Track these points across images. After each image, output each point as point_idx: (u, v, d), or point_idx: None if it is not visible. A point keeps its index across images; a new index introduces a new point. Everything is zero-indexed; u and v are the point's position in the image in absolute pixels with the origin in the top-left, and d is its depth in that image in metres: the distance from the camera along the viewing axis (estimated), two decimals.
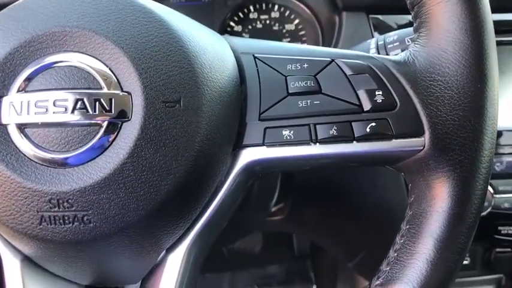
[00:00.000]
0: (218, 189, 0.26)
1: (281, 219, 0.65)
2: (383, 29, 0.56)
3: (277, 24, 0.66)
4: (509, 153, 0.56)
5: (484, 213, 0.54)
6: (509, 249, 0.73)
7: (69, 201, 0.22)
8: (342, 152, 0.25)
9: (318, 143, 0.25)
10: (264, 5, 0.66)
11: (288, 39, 0.67)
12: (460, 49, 0.23)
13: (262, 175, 0.28)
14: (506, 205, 0.55)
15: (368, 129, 0.24)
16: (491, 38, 0.25)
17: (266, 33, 0.66)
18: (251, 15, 0.66)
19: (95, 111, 0.22)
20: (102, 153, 0.23)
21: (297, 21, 0.66)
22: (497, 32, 0.56)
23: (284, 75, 0.26)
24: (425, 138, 0.24)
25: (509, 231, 0.58)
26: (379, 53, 0.38)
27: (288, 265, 1.27)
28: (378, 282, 0.25)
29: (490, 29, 0.25)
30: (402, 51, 0.38)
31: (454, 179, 0.23)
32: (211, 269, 1.21)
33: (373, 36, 0.56)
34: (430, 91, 0.24)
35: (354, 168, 0.46)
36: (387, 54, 0.38)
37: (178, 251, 0.26)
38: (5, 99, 0.23)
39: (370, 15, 0.56)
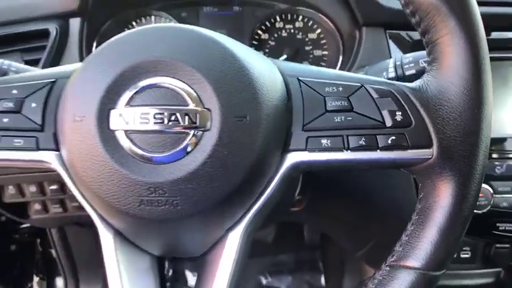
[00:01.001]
0: (269, 183, 0.32)
1: (299, 210, 0.72)
2: (398, 42, 0.62)
3: (300, 33, 0.72)
4: (509, 157, 0.62)
5: (484, 211, 0.61)
6: (507, 245, 0.79)
7: (163, 189, 0.29)
8: (368, 158, 0.31)
9: (349, 150, 0.31)
10: (289, 16, 0.71)
11: (310, 47, 0.72)
12: (463, 82, 0.30)
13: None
14: (505, 204, 0.61)
15: (389, 141, 0.31)
16: (488, 73, 0.31)
17: (290, 41, 0.72)
18: (277, 25, 0.72)
19: (184, 123, 0.29)
20: (188, 154, 0.29)
21: (319, 30, 0.72)
22: (503, 48, 0.62)
23: (323, 96, 0.32)
24: (434, 150, 0.31)
25: (507, 228, 0.64)
26: (396, 71, 0.44)
27: (298, 255, 1.33)
28: (392, 259, 0.32)
29: (487, 66, 0.31)
30: (416, 71, 0.44)
31: (454, 181, 0.30)
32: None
33: (389, 50, 0.61)
34: (439, 113, 0.30)
35: (375, 171, 0.53)
36: (403, 73, 0.44)
37: (237, 231, 0.32)
38: (113, 111, 0.30)
39: (388, 31, 0.62)
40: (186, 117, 0.29)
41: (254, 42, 0.72)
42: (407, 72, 0.43)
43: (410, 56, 0.44)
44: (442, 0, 0.30)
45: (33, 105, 0.33)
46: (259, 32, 0.72)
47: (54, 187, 0.70)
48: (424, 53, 0.42)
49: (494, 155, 0.62)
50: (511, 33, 0.61)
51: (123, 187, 0.29)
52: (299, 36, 0.72)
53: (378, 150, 0.31)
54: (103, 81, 0.30)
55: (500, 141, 0.62)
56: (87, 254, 1.14)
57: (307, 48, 0.72)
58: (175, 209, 0.30)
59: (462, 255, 0.81)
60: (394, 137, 0.31)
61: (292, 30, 0.72)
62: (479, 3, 0.59)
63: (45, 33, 0.61)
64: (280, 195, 0.33)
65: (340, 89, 0.32)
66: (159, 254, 0.36)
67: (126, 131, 0.30)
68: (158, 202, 0.29)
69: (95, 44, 0.68)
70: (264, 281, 1.29)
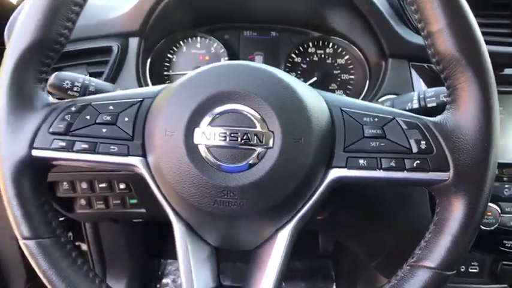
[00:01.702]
0: (314, 193, 0.40)
1: (321, 219, 0.78)
2: (420, 73, 0.69)
3: (330, 58, 0.79)
4: None
5: (492, 228, 0.67)
6: None
7: (234, 192, 0.37)
8: (397, 177, 0.38)
9: (381, 170, 0.38)
10: (321, 42, 0.79)
11: (339, 71, 0.79)
12: (476, 122, 0.37)
13: None
14: (511, 223, 0.68)
15: (414, 164, 0.38)
16: (496, 114, 0.38)
17: (320, 64, 0.79)
18: (309, 50, 0.79)
19: (253, 141, 0.37)
20: (254, 166, 0.37)
21: (347, 57, 0.79)
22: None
23: (361, 124, 0.40)
24: (450, 173, 0.38)
25: None
26: (419, 103, 0.52)
27: (312, 263, 1.39)
28: (412, 260, 0.39)
29: (496, 109, 0.38)
30: (436, 104, 0.51)
31: (466, 199, 0.37)
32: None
33: (412, 80, 0.68)
34: (455, 144, 0.37)
35: (402, 188, 0.60)
36: (426, 105, 0.51)
37: (285, 231, 0.40)
38: (197, 129, 0.38)
39: (411, 63, 0.69)
40: (255, 137, 0.37)
41: (288, 64, 0.79)
42: (429, 105, 0.51)
43: (432, 90, 0.51)
44: (462, 55, 0.37)
45: (126, 119, 0.41)
46: (293, 55, 0.79)
47: (103, 185, 0.78)
48: (444, 88, 0.49)
49: (504, 179, 0.69)
50: None
51: (202, 189, 0.37)
52: (329, 61, 0.79)
53: (405, 171, 0.38)
54: (190, 105, 0.38)
55: (509, 166, 0.68)
56: (117, 248, 1.21)
57: (335, 72, 0.79)
58: (241, 209, 0.37)
59: (470, 270, 0.87)
60: (418, 161, 0.38)
61: (322, 55, 0.79)
62: (496, 43, 0.66)
63: (108, 50, 0.70)
64: (321, 203, 0.41)
65: (376, 119, 0.40)
66: (217, 245, 0.43)
67: (206, 146, 0.38)
68: (229, 202, 0.37)
69: (149, 60, 0.77)
70: None
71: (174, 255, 1.36)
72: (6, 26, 0.71)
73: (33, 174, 0.41)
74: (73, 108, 0.41)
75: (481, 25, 0.67)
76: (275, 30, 0.80)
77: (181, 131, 0.38)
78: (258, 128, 0.38)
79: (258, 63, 0.41)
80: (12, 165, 0.40)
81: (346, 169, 0.39)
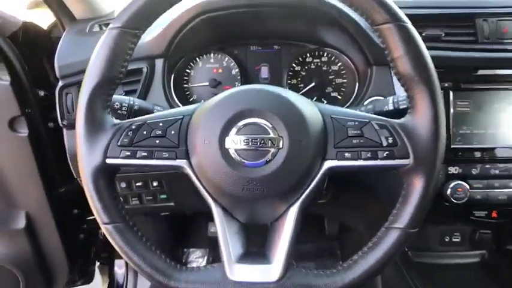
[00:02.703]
0: (314, 178, 0.53)
1: (324, 202, 0.93)
2: None
3: (325, 66, 0.93)
4: (481, 162, 0.82)
5: (463, 201, 0.81)
6: (489, 231, 0.99)
7: (256, 181, 0.51)
8: (372, 164, 0.52)
9: (361, 160, 0.53)
10: (317, 53, 0.93)
11: (333, 76, 0.92)
12: (427, 122, 0.50)
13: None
14: (478, 197, 0.82)
15: (385, 155, 0.52)
16: (442, 115, 0.51)
17: (317, 71, 0.93)
18: (307, 59, 0.93)
19: (268, 144, 0.51)
20: (269, 162, 0.51)
21: (340, 64, 0.92)
22: (486, 81, 0.81)
23: (346, 127, 0.54)
24: (410, 160, 0.51)
25: (480, 214, 0.84)
26: (394, 106, 0.66)
27: (319, 244, 1.53)
28: (387, 224, 0.54)
29: (442, 112, 0.51)
30: (407, 106, 0.65)
31: (422, 178, 0.51)
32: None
33: (393, 83, 0.82)
34: (413, 139, 0.51)
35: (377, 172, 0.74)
36: (399, 107, 0.65)
37: (295, 207, 0.54)
38: (227, 138, 0.52)
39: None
40: (269, 141, 0.52)
41: (290, 73, 0.93)
42: (401, 107, 0.65)
43: (403, 96, 0.66)
44: (416, 75, 0.51)
45: (173, 132, 0.56)
46: (294, 65, 0.93)
47: (139, 184, 0.93)
48: None
49: (479, 159, 0.82)
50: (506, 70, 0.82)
51: (233, 180, 0.52)
52: (324, 68, 0.93)
53: (378, 160, 0.52)
54: (221, 120, 0.53)
55: (474, 150, 0.82)
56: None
57: (330, 77, 0.93)
58: (262, 193, 0.52)
59: (453, 240, 1.02)
60: (387, 152, 0.52)
61: (319, 64, 0.93)
62: (464, 50, 0.78)
63: (139, 71, 0.84)
64: (320, 187, 0.55)
65: (356, 123, 0.54)
66: (245, 221, 0.58)
67: (235, 149, 0.52)
68: (253, 189, 0.52)
69: (172, 77, 0.91)
70: None
71: (195, 244, 1.53)
72: (56, 56, 0.85)
73: (107, 176, 0.56)
74: (133, 127, 0.56)
75: (450, 35, 0.81)
76: (277, 44, 0.94)
77: (216, 140, 0.53)
78: (271, 135, 0.52)
79: (269, 87, 0.56)
80: (91, 171, 0.55)
81: (336, 160, 0.54)
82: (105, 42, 0.55)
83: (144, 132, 0.56)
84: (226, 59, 0.94)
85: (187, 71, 0.94)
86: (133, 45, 0.56)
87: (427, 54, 0.52)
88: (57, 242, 1.21)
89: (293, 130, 0.52)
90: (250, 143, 0.52)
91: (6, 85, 0.96)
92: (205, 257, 1.53)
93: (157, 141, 0.56)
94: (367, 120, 0.54)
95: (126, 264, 1.42)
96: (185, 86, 0.94)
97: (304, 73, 0.93)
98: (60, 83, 0.83)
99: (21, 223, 1.15)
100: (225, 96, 0.55)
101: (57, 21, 0.97)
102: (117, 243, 0.55)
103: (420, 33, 0.79)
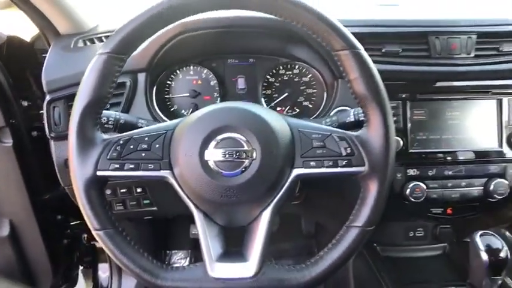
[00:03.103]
0: (284, 185, 0.60)
1: (298, 203, 1.00)
2: None
3: (297, 77, 1.00)
4: (436, 165, 0.91)
5: (421, 200, 0.90)
6: (449, 226, 1.09)
7: (233, 188, 0.58)
8: (333, 171, 0.60)
9: (324, 168, 0.60)
10: (289, 65, 1.00)
11: (304, 87, 1.00)
12: (379, 134, 0.58)
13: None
14: (434, 196, 0.91)
15: (344, 163, 0.59)
16: (392, 129, 0.59)
17: (290, 83, 1.00)
18: (280, 71, 1.00)
19: (243, 156, 0.58)
20: (245, 171, 0.58)
21: (310, 75, 0.99)
22: (443, 92, 0.90)
23: (311, 139, 0.61)
24: (366, 167, 0.59)
25: (437, 211, 0.94)
26: (355, 118, 0.74)
27: (297, 243, 1.60)
28: (347, 223, 0.61)
29: (392, 126, 0.59)
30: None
31: (376, 183, 0.59)
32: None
33: None
34: (368, 149, 0.59)
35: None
36: (359, 119, 0.73)
37: (267, 211, 0.61)
38: (206, 151, 0.59)
39: None
40: (244, 153, 0.59)
41: (265, 84, 1.00)
42: (361, 119, 0.73)
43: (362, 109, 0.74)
44: (369, 94, 0.59)
45: (157, 145, 0.62)
46: (268, 76, 1.00)
47: (123, 190, 0.98)
48: None
49: (431, 162, 0.91)
50: (456, 82, 0.91)
51: (213, 188, 0.59)
52: (296, 80, 1.00)
53: (338, 167, 0.60)
54: (201, 135, 0.59)
55: (431, 153, 0.91)
56: None
57: (302, 88, 1.00)
58: (238, 199, 0.59)
59: (417, 234, 1.11)
60: (346, 161, 0.60)
61: (291, 76, 1.00)
62: (420, 64, 0.87)
63: (123, 84, 0.89)
64: (290, 192, 0.62)
65: (320, 135, 0.62)
66: (224, 224, 0.64)
67: (214, 161, 0.59)
68: (230, 195, 0.59)
69: (154, 90, 0.97)
70: None
71: (178, 246, 1.58)
72: (43, 71, 0.90)
73: (98, 187, 0.62)
74: (121, 141, 0.62)
75: (407, 51, 0.90)
76: (253, 58, 1.00)
77: (197, 152, 0.59)
78: (246, 147, 0.59)
79: (244, 104, 0.63)
80: (83, 183, 0.60)
81: (303, 168, 0.61)
82: (94, 66, 0.60)
83: (131, 146, 0.62)
84: (205, 71, 1.00)
85: (168, 82, 1.00)
86: (120, 68, 0.62)
87: (378, 76, 0.60)
88: (41, 248, 1.24)
89: (265, 143, 0.59)
90: (227, 155, 0.59)
91: None
92: (188, 258, 1.58)
93: (143, 154, 0.62)
94: (329, 133, 0.62)
95: (110, 267, 1.46)
96: (166, 96, 1.00)
97: (277, 84, 1.00)
98: (48, 97, 0.87)
99: (4, 231, 1.18)
100: (204, 114, 0.62)
101: (42, 35, 1.01)
102: (108, 247, 0.61)
103: (380, 49, 0.89)
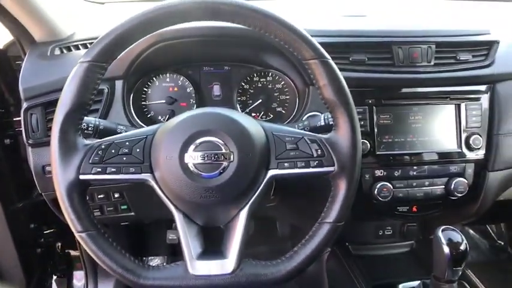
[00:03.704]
0: (259, 185, 0.64)
1: (273, 206, 1.03)
2: None
3: (270, 84, 1.04)
4: (401, 166, 0.97)
5: (388, 199, 0.96)
6: (415, 224, 1.15)
7: (212, 189, 0.61)
8: (306, 171, 0.64)
9: (297, 168, 0.64)
10: (263, 73, 1.04)
11: (277, 93, 1.04)
12: (347, 137, 0.63)
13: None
14: (401, 195, 0.97)
15: (315, 164, 0.64)
16: (358, 132, 0.64)
17: (264, 89, 1.04)
18: (255, 79, 1.04)
19: (221, 158, 0.61)
20: (223, 173, 0.61)
21: (283, 82, 1.03)
22: (406, 98, 0.96)
23: (284, 142, 0.65)
24: (335, 167, 0.64)
25: (403, 209, 0.99)
26: (325, 122, 0.79)
27: (272, 246, 1.63)
28: (319, 220, 0.65)
29: (358, 129, 0.63)
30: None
31: (345, 180, 0.63)
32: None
33: None
34: (336, 150, 0.63)
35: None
36: (329, 123, 0.78)
37: (245, 210, 0.64)
38: (186, 154, 0.61)
39: None
40: (222, 156, 0.62)
41: (239, 90, 1.04)
42: (330, 123, 0.78)
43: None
44: (337, 99, 0.63)
45: (138, 150, 0.64)
46: (243, 83, 1.04)
47: (101, 196, 0.99)
48: None
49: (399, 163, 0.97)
50: (418, 89, 0.97)
51: (192, 189, 0.61)
52: (270, 86, 1.04)
53: (310, 168, 0.64)
54: (181, 139, 0.62)
55: (397, 155, 0.97)
56: None
57: (275, 94, 1.04)
58: (217, 199, 0.62)
59: (386, 233, 1.17)
60: (317, 162, 0.64)
61: (264, 83, 1.04)
62: (385, 72, 0.93)
63: (100, 91, 0.90)
64: (266, 192, 0.66)
65: (292, 138, 0.66)
66: (203, 224, 0.67)
67: (193, 163, 0.62)
68: (209, 196, 0.62)
69: (131, 97, 0.99)
70: None
71: (154, 252, 1.58)
72: (20, 79, 0.90)
73: (80, 191, 0.63)
74: (103, 146, 0.64)
75: (372, 59, 0.95)
76: (227, 65, 1.04)
77: (177, 155, 0.62)
78: (223, 150, 0.63)
79: (221, 110, 0.66)
80: (66, 186, 0.62)
81: (277, 169, 0.65)
82: (76, 74, 0.62)
83: (113, 151, 0.64)
84: (181, 78, 1.03)
85: (145, 89, 1.02)
86: (101, 76, 0.64)
87: (344, 83, 0.65)
88: (14, 257, 1.22)
89: (241, 146, 0.63)
90: (206, 158, 0.62)
91: None
92: (164, 264, 1.59)
93: (124, 158, 0.64)
94: (301, 136, 0.66)
95: (86, 276, 1.45)
96: (143, 103, 1.02)
97: (252, 91, 1.04)
98: (25, 105, 0.88)
99: None
100: (183, 119, 0.65)
101: (17, 42, 1.01)
102: (91, 248, 0.63)
103: (348, 58, 0.94)
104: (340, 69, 0.66)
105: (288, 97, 1.04)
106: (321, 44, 0.65)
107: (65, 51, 0.98)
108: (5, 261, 1.24)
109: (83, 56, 0.63)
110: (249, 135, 0.64)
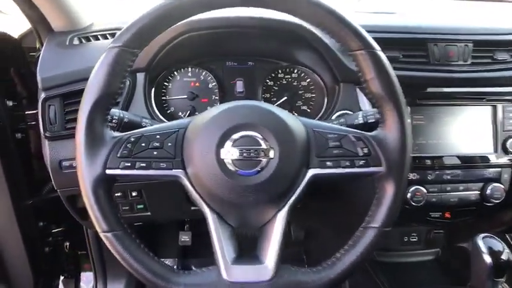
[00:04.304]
0: (299, 186, 0.59)
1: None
2: (365, 94, 0.91)
3: (296, 82, 1.00)
4: (435, 169, 0.93)
5: (421, 204, 0.91)
6: (442, 231, 1.11)
7: (250, 188, 0.56)
8: (351, 171, 0.60)
9: (341, 168, 0.60)
10: (288, 69, 1.00)
11: (303, 91, 1.00)
12: (396, 134, 0.59)
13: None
14: (434, 200, 0.92)
15: (361, 163, 0.60)
16: (408, 128, 0.60)
17: (289, 86, 1.00)
18: (279, 75, 1.00)
19: (260, 155, 0.57)
20: (261, 171, 0.57)
21: (308, 80, 1.00)
22: (435, 97, 0.92)
23: (326, 139, 0.61)
24: (383, 167, 0.60)
25: (436, 215, 0.95)
26: (363, 119, 0.74)
27: (285, 250, 1.59)
28: (363, 224, 0.61)
29: (408, 126, 0.59)
30: (374, 120, 0.74)
31: (393, 183, 0.59)
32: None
33: (358, 99, 0.91)
34: (385, 149, 0.59)
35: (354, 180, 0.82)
36: (368, 121, 0.74)
37: (283, 212, 0.59)
38: (223, 149, 0.57)
39: (357, 86, 0.90)
40: (262, 152, 0.57)
41: (264, 87, 0.99)
42: (369, 121, 0.74)
43: (371, 111, 0.74)
44: (386, 94, 0.59)
45: (169, 144, 0.60)
46: (267, 80, 1.00)
47: (118, 194, 0.94)
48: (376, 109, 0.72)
49: (435, 167, 0.92)
50: (453, 88, 0.93)
51: (229, 188, 0.57)
52: (295, 84, 1.00)
53: (355, 168, 0.60)
54: (218, 133, 0.57)
55: (429, 158, 0.93)
56: None
57: (300, 92, 1.00)
58: (255, 199, 0.57)
59: (411, 239, 1.12)
60: (363, 161, 0.60)
61: (289, 79, 1.00)
62: (418, 70, 0.89)
63: None
64: (305, 193, 0.61)
65: (335, 135, 0.61)
66: (236, 226, 0.62)
67: (232, 159, 0.57)
68: (247, 195, 0.57)
69: (153, 90, 0.95)
70: None
71: (164, 254, 1.54)
72: (38, 68, 0.86)
73: (106, 187, 0.59)
74: (132, 139, 0.60)
75: (406, 57, 0.91)
76: (251, 61, 1.00)
77: (213, 151, 0.57)
78: (263, 146, 0.58)
79: (260, 103, 0.62)
80: (92, 182, 0.57)
81: (319, 169, 0.60)
82: (105, 60, 0.58)
83: (143, 144, 0.59)
84: (204, 73, 0.98)
85: (166, 84, 0.98)
86: (131, 63, 0.60)
87: (394, 76, 0.61)
88: (22, 256, 1.18)
89: (282, 141, 0.58)
90: (244, 154, 0.57)
91: None
92: (175, 267, 1.54)
93: (155, 153, 0.60)
94: (345, 133, 0.61)
95: (95, 277, 1.40)
96: (163, 98, 0.98)
97: (276, 88, 1.00)
98: (43, 95, 0.84)
99: None
100: (220, 111, 0.60)
101: (34, 31, 0.97)
102: (117, 250, 0.58)
103: None
104: None
105: (313, 95, 1.00)
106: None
107: (83, 41, 0.94)
108: (13, 259, 1.20)
109: (113, 41, 0.58)
110: (290, 131, 0.59)
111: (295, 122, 0.61)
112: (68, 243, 1.45)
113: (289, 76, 1.00)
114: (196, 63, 0.98)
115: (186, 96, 0.97)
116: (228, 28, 0.88)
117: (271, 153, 0.58)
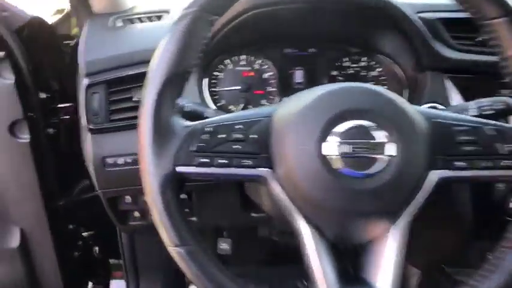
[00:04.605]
0: (423, 192, 0.46)
1: None
2: (453, 83, 0.78)
3: (364, 71, 0.87)
4: None
5: None
6: None
7: (365, 194, 0.44)
8: (492, 175, 0.47)
9: (479, 169, 0.46)
10: (355, 57, 0.87)
11: (372, 82, 0.87)
12: None
13: None
14: None
15: (501, 164, 0.46)
16: None
17: (355, 77, 0.87)
18: (345, 64, 0.87)
19: (377, 151, 0.44)
20: (379, 172, 0.44)
21: (379, 69, 0.87)
22: None
23: (453, 133, 0.47)
24: None
25: None
26: (478, 111, 0.58)
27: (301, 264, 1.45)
28: (503, 243, 0.47)
29: None
30: (494, 111, 0.60)
31: None
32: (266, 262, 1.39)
33: (446, 90, 0.77)
34: None
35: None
36: (482, 113, 0.60)
37: (401, 225, 0.46)
38: (326, 144, 0.44)
39: (448, 75, 0.77)
40: (379, 147, 0.44)
41: (327, 78, 0.87)
42: (486, 113, 0.60)
43: (488, 100, 0.60)
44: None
45: (253, 136, 0.48)
46: (331, 70, 0.87)
47: None
48: (496, 98, 0.59)
49: None
50: None
51: (335, 192, 0.44)
52: (363, 73, 0.87)
53: (498, 170, 0.47)
54: (319, 123, 0.45)
55: None
56: (150, 258, 1.25)
57: (369, 83, 0.88)
58: (369, 207, 0.45)
59: None
60: (509, 161, 0.47)
61: (357, 69, 0.88)
62: None
63: None
64: (430, 200, 0.48)
65: (466, 128, 0.48)
66: (335, 240, 0.50)
67: (337, 157, 0.44)
68: (358, 203, 0.45)
69: (207, 79, 0.84)
70: (300, 285, 1.41)
71: None
72: (82, 51, 0.75)
73: (176, 188, 0.47)
74: (207, 129, 0.48)
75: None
76: (313, 47, 0.87)
77: (313, 146, 0.45)
78: (380, 140, 0.45)
79: (371, 85, 0.50)
80: (159, 181, 0.46)
81: (447, 170, 0.47)
82: (176, 30, 0.46)
83: (222, 136, 0.48)
84: (260, 61, 0.87)
85: (216, 73, 0.87)
86: (209, 34, 0.48)
87: None
88: (52, 261, 1.10)
89: (404, 135, 0.45)
90: (355, 150, 0.45)
91: (10, 84, 0.85)
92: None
93: (236, 147, 0.48)
94: (479, 125, 0.48)
95: (128, 286, 1.30)
96: (212, 90, 0.86)
97: (341, 78, 0.88)
98: (87, 81, 0.73)
99: (15, 241, 1.03)
100: (319, 95, 0.48)
101: (73, 13, 0.87)
102: (190, 269, 0.46)
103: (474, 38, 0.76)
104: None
105: (385, 87, 0.87)
106: None
107: (128, 23, 0.84)
108: (43, 265, 1.12)
109: (188, 5, 0.47)
110: (411, 121, 0.47)
111: (413, 110, 0.49)
112: (97, 248, 1.37)
113: (356, 65, 0.88)
114: (251, 50, 0.87)
115: (239, 87, 0.85)
116: (300, 3, 0.76)
117: (391, 150, 0.45)
